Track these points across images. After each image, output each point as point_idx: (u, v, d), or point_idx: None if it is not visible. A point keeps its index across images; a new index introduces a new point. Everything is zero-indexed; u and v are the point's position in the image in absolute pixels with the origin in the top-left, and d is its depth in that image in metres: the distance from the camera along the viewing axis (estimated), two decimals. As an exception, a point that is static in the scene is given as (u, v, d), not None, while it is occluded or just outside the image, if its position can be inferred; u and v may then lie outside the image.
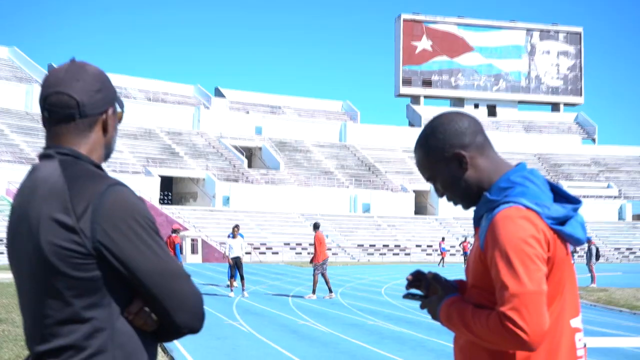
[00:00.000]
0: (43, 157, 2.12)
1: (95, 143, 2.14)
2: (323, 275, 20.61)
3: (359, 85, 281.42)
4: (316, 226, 20.91)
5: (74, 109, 2.10)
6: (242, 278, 21.18)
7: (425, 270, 2.52)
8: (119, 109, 2.22)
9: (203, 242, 51.82)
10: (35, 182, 2.06)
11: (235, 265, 21.29)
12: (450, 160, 2.35)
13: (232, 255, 21.30)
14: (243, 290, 21.06)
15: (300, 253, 56.46)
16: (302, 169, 72.97)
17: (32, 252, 2.02)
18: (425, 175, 2.43)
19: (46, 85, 2.12)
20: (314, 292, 20.77)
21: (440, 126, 2.37)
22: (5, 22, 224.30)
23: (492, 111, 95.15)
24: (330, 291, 20.88)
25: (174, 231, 21.50)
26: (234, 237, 21.48)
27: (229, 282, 22.38)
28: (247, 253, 21.67)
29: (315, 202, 65.85)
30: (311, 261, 20.97)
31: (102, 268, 2.00)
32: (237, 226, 21.93)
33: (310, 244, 56.77)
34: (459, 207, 2.47)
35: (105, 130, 2.16)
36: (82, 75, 2.13)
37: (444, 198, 2.44)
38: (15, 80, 69.35)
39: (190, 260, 49.12)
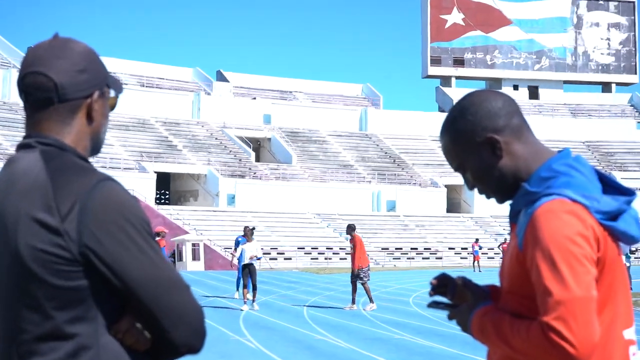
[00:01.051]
0: (22, 147, 2.09)
1: (80, 132, 2.10)
2: (363, 283, 20.70)
3: (380, 66, 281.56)
4: (352, 228, 21.15)
5: (52, 92, 2.06)
6: (254, 288, 21.21)
7: (457, 275, 2.48)
8: (112, 94, 2.18)
9: (205, 246, 51.96)
10: (13, 175, 2.02)
11: (249, 273, 21.30)
12: (481, 146, 2.31)
13: (244, 262, 21.30)
14: (253, 301, 21.08)
15: (317, 258, 56.54)
16: (317, 162, 73.01)
17: (8, 256, 1.98)
18: (453, 164, 2.40)
19: (24, 65, 2.10)
20: (371, 300, 20.93)
21: (471, 106, 2.34)
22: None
23: (533, 93, 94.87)
24: (371, 301, 21.05)
25: (157, 234, 21.69)
26: (248, 240, 21.48)
27: (241, 293, 22.22)
28: (257, 259, 21.64)
29: (332, 200, 65.90)
30: (353, 268, 20.92)
31: (89, 276, 1.95)
32: (252, 229, 21.91)
33: (327, 248, 56.85)
34: (495, 201, 2.44)
35: (90, 117, 2.11)
36: (64, 52, 2.08)
37: (476, 191, 2.41)
38: (-9, 65, 69.76)
39: (192, 267, 49.23)
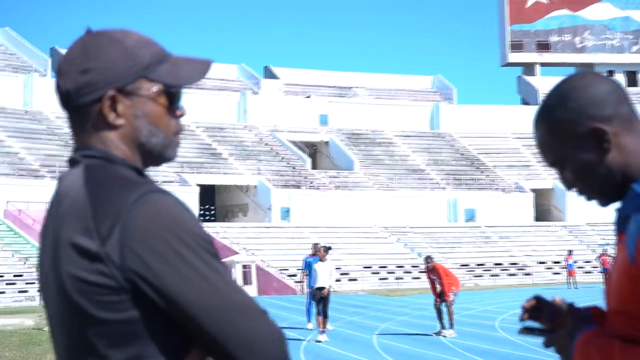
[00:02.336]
0: (69, 162, 2.11)
1: (110, 140, 2.08)
2: (449, 306, 21.23)
3: (452, 54, 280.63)
4: (430, 259, 21.87)
5: (65, 100, 2.10)
6: (325, 315, 21.12)
7: (550, 295, 2.43)
8: (153, 88, 2.10)
9: (258, 268, 52.17)
10: (59, 195, 2.05)
11: (321, 299, 21.19)
12: (585, 138, 2.26)
13: (317, 286, 21.29)
14: (323, 331, 20.87)
15: (386, 278, 56.44)
16: (382, 167, 73.01)
17: (55, 289, 1.99)
18: (549, 159, 2.35)
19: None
20: (452, 326, 21.36)
21: (572, 92, 2.28)
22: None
23: (632, 79, 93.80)
24: (451, 327, 21.40)
25: None
26: (321, 260, 21.56)
27: (314, 322, 21.80)
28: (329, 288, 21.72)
29: (402, 210, 65.80)
30: (442, 295, 21.37)
31: (139, 306, 1.93)
32: (326, 248, 21.99)
33: (398, 266, 56.69)
34: (594, 204, 2.38)
35: (106, 122, 2.07)
36: (75, 51, 2.10)
37: (568, 195, 2.35)
38: (10, 70, 70.96)
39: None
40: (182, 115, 2.17)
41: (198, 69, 2.15)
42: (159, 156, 2.13)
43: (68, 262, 1.93)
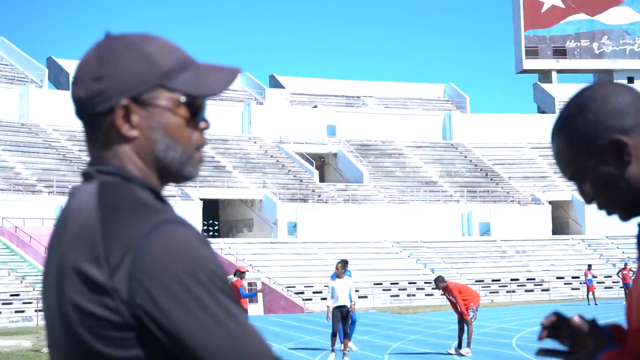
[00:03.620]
0: (83, 176, 2.02)
1: (124, 154, 1.99)
2: (469, 325, 21.29)
3: (465, 61, 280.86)
4: (440, 279, 21.68)
5: (78, 109, 2.02)
6: (346, 336, 20.81)
7: (569, 311, 2.41)
8: (181, 97, 2.01)
9: (264, 286, 52.12)
10: (67, 214, 1.96)
11: (341, 319, 20.69)
12: (605, 150, 2.25)
13: (335, 304, 20.79)
14: (344, 354, 20.61)
15: (397, 295, 56.37)
16: (393, 179, 72.99)
17: (57, 315, 1.92)
18: (567, 172, 2.34)
19: None
20: (468, 344, 21.45)
21: (592, 102, 2.28)
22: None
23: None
24: (468, 345, 21.48)
25: (235, 273, 21.86)
26: (338, 276, 21.02)
27: (339, 345, 21.21)
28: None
29: (413, 224, 65.73)
30: (461, 314, 21.40)
31: (144, 345, 1.85)
32: (345, 262, 21.49)
33: (410, 283, 56.60)
34: (615, 219, 2.37)
35: (119, 134, 1.98)
36: (89, 57, 2.02)
37: (587, 208, 2.35)
38: (5, 81, 71.14)
39: (249, 311, 49.38)
40: (205, 128, 2.09)
41: (223, 78, 2.06)
42: (177, 173, 2.04)
43: (72, 289, 1.86)
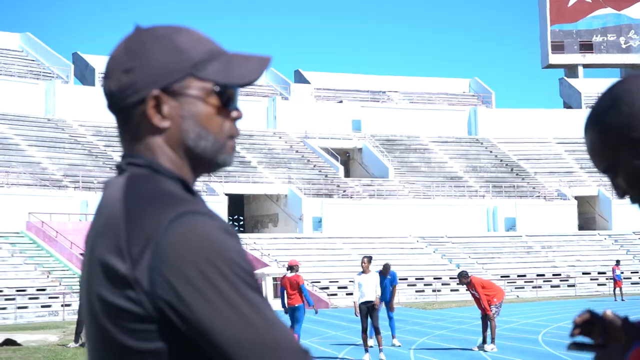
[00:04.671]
0: (117, 169, 2.04)
1: (156, 146, 2.00)
2: (492, 320, 21.29)
3: (491, 56, 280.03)
4: (463, 275, 21.78)
5: (111, 103, 2.03)
6: (377, 332, 20.45)
7: (598, 308, 2.40)
8: (214, 87, 2.01)
9: (289, 281, 52.24)
10: (101, 205, 1.98)
11: (368, 315, 20.39)
12: (638, 143, 2.22)
13: (362, 300, 20.49)
14: (380, 350, 20.29)
15: (422, 291, 56.31)
16: (418, 175, 72.92)
17: (87, 308, 1.93)
18: (600, 165, 2.32)
19: None
20: (493, 340, 21.39)
21: (625, 95, 2.25)
22: (14, 3, 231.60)
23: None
24: (492, 341, 21.44)
25: (291, 268, 21.27)
26: (364, 272, 20.70)
27: (366, 342, 20.78)
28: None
29: (439, 220, 65.68)
30: (484, 310, 21.47)
31: (167, 337, 1.84)
32: (369, 258, 21.17)
33: (435, 278, 56.54)
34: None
35: (150, 124, 1.99)
36: (119, 50, 2.03)
37: (614, 203, 2.32)
38: (31, 76, 71.46)
39: (274, 306, 49.47)
40: (238, 117, 2.10)
41: (253, 68, 2.05)
42: (210, 162, 2.05)
43: (97, 281, 1.87)
